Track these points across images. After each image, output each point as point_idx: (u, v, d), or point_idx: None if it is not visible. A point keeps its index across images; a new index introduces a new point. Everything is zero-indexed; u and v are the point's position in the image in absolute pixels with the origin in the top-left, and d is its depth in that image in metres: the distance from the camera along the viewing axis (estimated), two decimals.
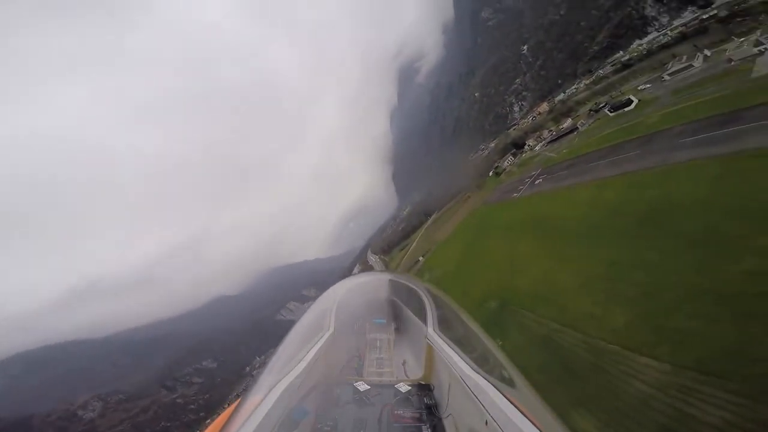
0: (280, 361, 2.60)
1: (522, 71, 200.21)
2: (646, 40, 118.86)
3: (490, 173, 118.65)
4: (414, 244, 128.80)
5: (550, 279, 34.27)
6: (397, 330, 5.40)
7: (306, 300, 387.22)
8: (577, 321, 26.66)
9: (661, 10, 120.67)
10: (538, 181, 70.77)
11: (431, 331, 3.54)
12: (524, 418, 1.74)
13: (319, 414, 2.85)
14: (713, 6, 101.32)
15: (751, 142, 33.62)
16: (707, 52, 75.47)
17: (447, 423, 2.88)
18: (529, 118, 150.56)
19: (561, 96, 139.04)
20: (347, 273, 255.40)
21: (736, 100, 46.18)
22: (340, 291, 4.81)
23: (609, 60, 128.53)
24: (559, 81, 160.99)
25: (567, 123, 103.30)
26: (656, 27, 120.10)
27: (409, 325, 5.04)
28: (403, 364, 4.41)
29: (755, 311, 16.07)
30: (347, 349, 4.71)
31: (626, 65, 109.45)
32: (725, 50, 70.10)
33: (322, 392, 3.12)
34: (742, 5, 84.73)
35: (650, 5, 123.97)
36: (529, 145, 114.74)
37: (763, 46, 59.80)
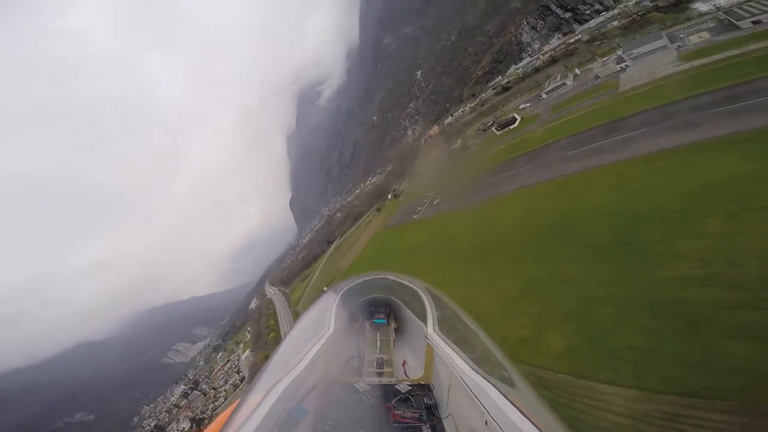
0: (280, 361, 2.65)
1: (415, 95, 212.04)
2: (521, 64, 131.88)
3: (389, 196, 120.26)
4: (317, 273, 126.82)
5: (466, 302, 32.03)
6: (397, 330, 5.38)
7: (198, 339, 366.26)
8: (510, 349, 23.12)
9: (534, 36, 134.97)
10: (437, 201, 72.06)
11: (431, 331, 3.62)
12: (524, 418, 1.78)
13: (319, 414, 2.87)
14: (576, 32, 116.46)
15: (638, 148, 36.04)
16: (577, 71, 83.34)
17: (447, 423, 2.93)
18: (422, 141, 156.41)
19: (450, 119, 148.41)
20: (244, 307, 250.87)
21: (611, 111, 51.52)
22: (339, 291, 4.87)
23: (491, 84, 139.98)
24: (448, 105, 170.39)
25: (458, 144, 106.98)
26: (529, 53, 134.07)
27: (409, 325, 5.09)
28: (404, 364, 4.36)
29: (698, 318, 16.29)
30: (347, 349, 4.73)
31: (506, 88, 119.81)
32: (592, 69, 78.07)
33: (322, 392, 3.14)
34: (601, 30, 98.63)
35: (526, 32, 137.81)
36: None
37: (624, 64, 66.18)
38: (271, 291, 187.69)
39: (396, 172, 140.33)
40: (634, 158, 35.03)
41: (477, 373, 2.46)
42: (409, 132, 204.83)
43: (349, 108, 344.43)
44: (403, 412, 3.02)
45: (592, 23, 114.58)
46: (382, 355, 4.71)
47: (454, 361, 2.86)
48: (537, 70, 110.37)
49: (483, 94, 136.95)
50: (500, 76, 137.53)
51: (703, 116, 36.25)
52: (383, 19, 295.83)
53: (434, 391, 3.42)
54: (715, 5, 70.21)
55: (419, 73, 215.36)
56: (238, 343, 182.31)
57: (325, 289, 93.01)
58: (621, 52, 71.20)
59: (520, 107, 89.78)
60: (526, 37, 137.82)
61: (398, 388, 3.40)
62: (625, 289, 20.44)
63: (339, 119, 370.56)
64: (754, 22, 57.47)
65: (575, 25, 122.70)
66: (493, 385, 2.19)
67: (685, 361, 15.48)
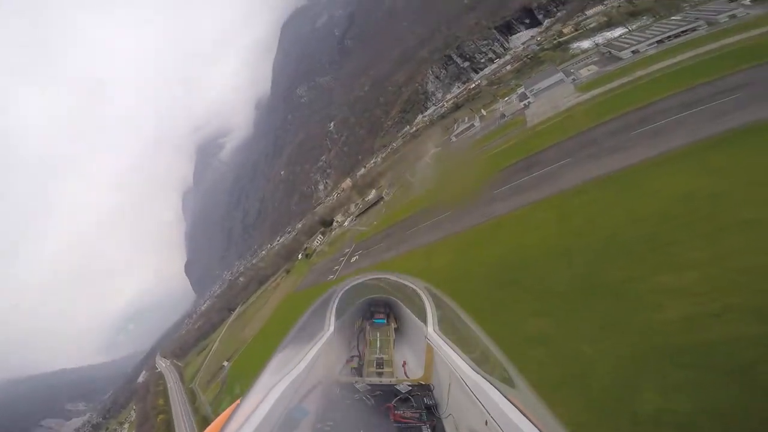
0: (280, 361, 2.73)
1: (328, 148, 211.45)
2: (428, 113, 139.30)
3: (300, 256, 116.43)
4: (216, 344, 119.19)
5: None
6: (397, 330, 5.42)
7: (74, 415, 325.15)
8: None
9: (438, 85, 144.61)
10: (355, 258, 68.67)
11: (431, 331, 3.66)
12: (524, 418, 1.80)
13: (319, 414, 2.92)
14: (475, 79, 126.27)
15: (567, 179, 34.58)
16: (483, 112, 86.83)
17: (447, 423, 2.96)
18: (335, 195, 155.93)
19: (362, 171, 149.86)
20: (131, 380, 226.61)
21: (525, 146, 51.26)
22: (339, 291, 4.98)
23: (400, 133, 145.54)
24: (360, 156, 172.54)
25: (372, 194, 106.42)
26: (434, 102, 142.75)
27: (409, 325, 5.17)
28: (404, 365, 4.46)
29: (740, 361, 13.89)
30: (347, 349, 4.87)
31: (414, 136, 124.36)
32: (496, 108, 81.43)
33: (322, 392, 3.20)
34: (497, 74, 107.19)
35: (431, 81, 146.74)
36: (337, 221, 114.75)
37: (528, 100, 68.52)
38: (162, 364, 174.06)
39: (308, 229, 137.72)
40: (565, 190, 33.39)
41: (477, 373, 2.50)
42: (321, 186, 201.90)
43: (255, 163, 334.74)
44: (403, 412, 3.06)
45: (487, 70, 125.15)
46: (382, 355, 4.70)
47: (454, 361, 2.90)
48: (443, 116, 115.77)
49: (394, 144, 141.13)
50: (408, 126, 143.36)
51: (625, 139, 36.14)
52: (299, 69, 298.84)
53: (434, 391, 3.47)
54: (594, 42, 79.76)
55: (332, 124, 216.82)
56: (121, 423, 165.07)
57: (225, 364, 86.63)
58: (523, 89, 74.72)
59: (431, 152, 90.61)
60: (431, 86, 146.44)
61: (398, 388, 3.45)
62: (620, 341, 17.84)
63: (243, 175, 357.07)
64: (633, 52, 65.15)
65: (473, 74, 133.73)
66: (493, 385, 2.22)
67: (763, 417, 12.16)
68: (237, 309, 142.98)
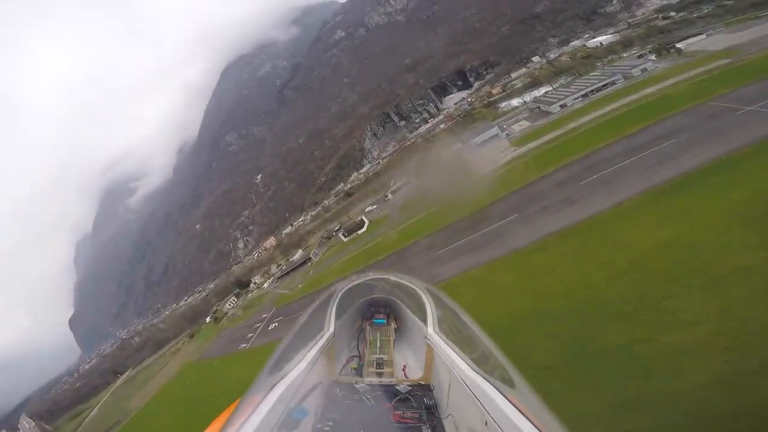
0: (280, 361, 2.73)
1: (252, 202, 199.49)
2: (363, 170, 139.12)
3: (208, 319, 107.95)
4: (95, 410, 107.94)
5: None
6: (397, 330, 5.43)
7: None
8: None
9: (375, 143, 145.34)
10: (273, 325, 63.40)
11: (431, 331, 3.69)
12: (524, 418, 1.84)
13: (319, 414, 2.96)
14: (410, 138, 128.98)
15: (520, 236, 32.16)
16: None
17: (447, 423, 2.98)
18: (255, 254, 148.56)
19: (288, 229, 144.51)
20: None
21: (466, 204, 47.27)
22: (339, 291, 5.02)
23: (333, 191, 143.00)
24: (287, 214, 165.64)
25: (298, 255, 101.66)
26: (369, 159, 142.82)
27: (409, 325, 5.22)
28: (404, 368, 4.48)
29: None
30: (347, 349, 4.96)
31: (348, 194, 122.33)
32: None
33: (322, 392, 3.25)
34: (431, 133, 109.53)
35: (368, 138, 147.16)
36: (255, 283, 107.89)
37: (465, 156, 66.53)
38: (26, 425, 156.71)
39: (220, 290, 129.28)
40: (521, 249, 30.27)
41: (477, 373, 2.53)
42: (241, 244, 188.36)
43: (168, 214, 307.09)
44: (403, 413, 3.08)
45: (422, 129, 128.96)
46: (382, 356, 4.76)
47: (454, 361, 2.95)
48: (378, 174, 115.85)
49: (326, 201, 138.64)
50: (342, 183, 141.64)
51: (575, 190, 34.62)
52: (232, 115, 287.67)
53: (434, 392, 3.48)
54: (523, 100, 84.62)
55: (259, 177, 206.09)
56: None
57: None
58: (459, 144, 75.13)
59: (367, 210, 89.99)
60: (368, 143, 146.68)
61: (398, 388, 3.46)
62: (645, 420, 14.97)
63: (152, 227, 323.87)
64: (561, 106, 68.73)
65: (408, 133, 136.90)
66: (493, 385, 2.25)
67: None
68: (126, 373, 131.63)
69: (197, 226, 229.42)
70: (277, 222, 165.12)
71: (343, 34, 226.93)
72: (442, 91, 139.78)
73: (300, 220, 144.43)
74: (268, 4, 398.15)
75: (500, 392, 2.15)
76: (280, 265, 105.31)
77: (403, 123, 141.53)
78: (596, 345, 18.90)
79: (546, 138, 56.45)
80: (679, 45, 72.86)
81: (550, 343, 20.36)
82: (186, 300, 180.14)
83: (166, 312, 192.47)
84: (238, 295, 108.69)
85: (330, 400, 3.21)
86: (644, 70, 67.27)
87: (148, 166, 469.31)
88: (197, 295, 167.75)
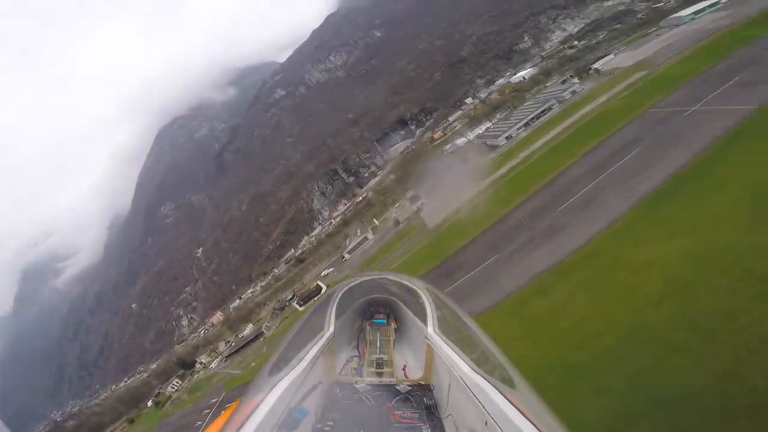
0: (280, 361, 2.75)
1: (194, 278, 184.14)
2: (314, 233, 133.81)
3: (149, 403, 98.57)
4: None
5: None
6: (397, 330, 5.45)
7: None
8: None
9: (324, 203, 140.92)
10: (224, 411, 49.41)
11: (431, 331, 3.68)
12: (524, 418, 1.84)
13: (319, 414, 2.96)
14: (361, 192, 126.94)
15: (507, 280, 27.96)
16: (376, 222, 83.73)
17: (447, 423, 2.98)
18: (201, 331, 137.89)
19: (236, 303, 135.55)
20: None
21: (436, 251, 45.79)
22: (339, 291, 5.03)
23: (283, 258, 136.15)
24: (234, 287, 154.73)
25: (248, 329, 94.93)
26: (320, 221, 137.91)
27: (409, 326, 5.20)
28: (404, 368, 4.47)
29: None
30: (347, 349, 4.95)
31: (300, 260, 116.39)
32: (389, 217, 79.26)
33: (322, 392, 3.26)
34: (382, 185, 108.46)
35: (317, 198, 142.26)
36: (202, 363, 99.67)
37: (421, 201, 66.64)
38: None
39: (162, 371, 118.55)
40: (512, 293, 25.94)
41: (477, 373, 2.52)
42: (185, 322, 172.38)
43: (101, 293, 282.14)
44: (403, 413, 3.09)
45: (372, 182, 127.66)
46: (382, 355, 4.76)
47: (454, 361, 2.91)
48: (331, 235, 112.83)
49: (276, 270, 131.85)
50: (293, 249, 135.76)
51: (554, 217, 31.79)
52: (167, 184, 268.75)
53: (434, 392, 3.51)
54: (467, 138, 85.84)
55: (200, 250, 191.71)
56: None
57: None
58: (412, 191, 73.34)
59: (323, 274, 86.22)
60: (317, 204, 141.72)
61: (398, 388, 3.49)
62: None
63: (83, 307, 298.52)
64: (507, 138, 69.15)
65: (358, 189, 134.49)
66: (493, 385, 2.25)
67: None
68: None
69: (133, 306, 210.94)
70: (224, 296, 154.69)
71: (283, 92, 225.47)
72: (387, 142, 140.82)
73: (249, 292, 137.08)
74: (204, 65, 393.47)
75: (500, 392, 2.14)
76: (229, 341, 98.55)
77: (351, 178, 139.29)
78: (667, 389, 14.69)
79: (502, 171, 55.10)
80: (595, 66, 78.26)
81: (591, 403, 15.68)
82: (126, 381, 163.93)
83: (103, 394, 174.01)
84: (182, 377, 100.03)
85: (330, 400, 3.21)
86: (573, 92, 70.34)
87: (75, 244, 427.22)
88: (138, 376, 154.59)
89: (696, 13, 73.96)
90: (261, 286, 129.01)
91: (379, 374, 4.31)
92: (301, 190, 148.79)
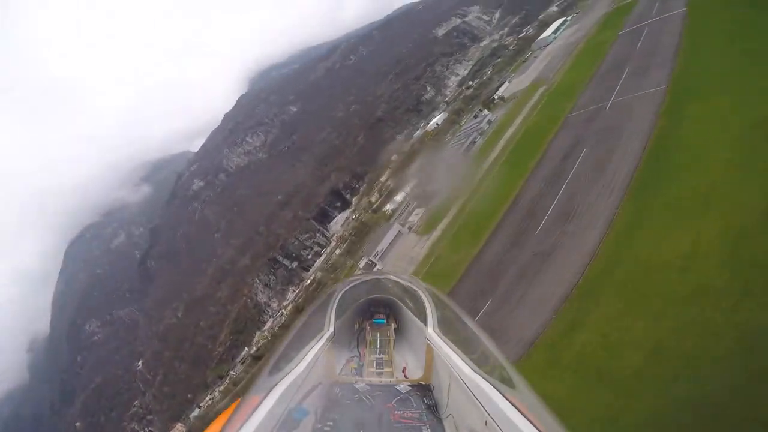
0: (280, 362, 2.75)
1: (141, 391, 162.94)
2: (266, 327, 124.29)
3: None
4: None
5: None
6: (397, 330, 5.50)
7: None
8: None
9: (270, 294, 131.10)
10: None
11: (431, 332, 3.71)
12: (524, 418, 1.84)
13: (319, 414, 3.00)
14: (309, 275, 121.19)
15: (514, 338, 23.36)
16: None
17: (447, 423, 3.02)
18: None
19: (197, 412, 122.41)
20: None
21: None
22: (339, 291, 5.01)
23: (238, 358, 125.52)
24: (189, 395, 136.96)
25: None
26: (270, 313, 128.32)
27: (409, 326, 5.24)
28: (404, 368, 4.53)
29: None
30: (347, 349, 4.98)
31: (257, 357, 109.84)
32: None
33: (322, 392, 3.28)
34: (329, 262, 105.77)
35: (261, 291, 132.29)
36: None
37: (376, 268, 63.64)
38: None
39: None
40: (538, 340, 21.53)
41: (477, 373, 2.54)
42: None
43: (37, 415, 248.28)
44: (403, 413, 3.12)
45: (318, 263, 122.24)
46: (382, 356, 4.79)
47: (454, 362, 2.94)
48: (285, 326, 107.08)
49: (233, 372, 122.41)
50: (246, 347, 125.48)
51: (539, 240, 28.46)
52: (88, 301, 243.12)
53: (434, 392, 3.54)
54: (405, 192, 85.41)
55: (140, 363, 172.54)
56: None
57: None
58: (365, 258, 70.36)
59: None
60: (262, 297, 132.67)
61: (398, 388, 3.52)
62: None
63: (21, 427, 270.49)
64: None
65: (304, 273, 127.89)
66: (493, 385, 2.26)
67: None
68: None
69: (77, 424, 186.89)
70: (180, 406, 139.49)
71: (202, 183, 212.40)
72: (325, 217, 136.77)
73: (207, 398, 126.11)
74: (110, 163, 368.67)
75: (500, 392, 2.13)
76: None
77: (295, 264, 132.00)
78: None
79: (452, 213, 52.43)
80: (498, 94, 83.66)
81: None
82: None
83: None
84: None
85: (330, 400, 3.24)
86: (489, 122, 73.06)
87: None
88: None
89: (554, 32, 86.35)
90: (219, 391, 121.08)
91: (379, 374, 4.33)
92: (242, 287, 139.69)
